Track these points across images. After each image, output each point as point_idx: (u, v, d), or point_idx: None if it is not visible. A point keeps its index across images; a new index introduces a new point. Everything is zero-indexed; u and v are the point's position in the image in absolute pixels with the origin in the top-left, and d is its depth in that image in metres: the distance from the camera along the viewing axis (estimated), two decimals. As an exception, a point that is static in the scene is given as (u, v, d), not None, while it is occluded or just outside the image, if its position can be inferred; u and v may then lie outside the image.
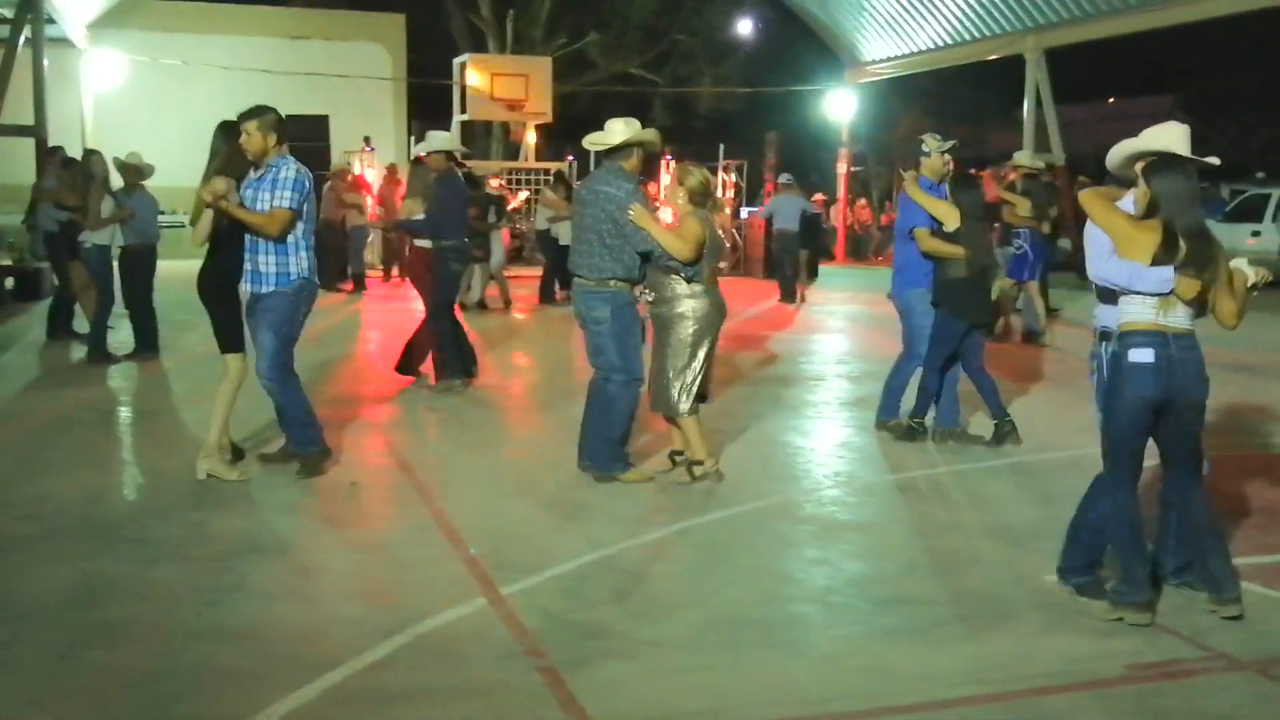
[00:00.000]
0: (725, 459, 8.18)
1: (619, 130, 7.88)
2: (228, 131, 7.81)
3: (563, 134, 35.53)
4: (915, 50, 29.78)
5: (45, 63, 20.80)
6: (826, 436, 9.61)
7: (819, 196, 31.41)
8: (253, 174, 7.70)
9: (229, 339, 7.85)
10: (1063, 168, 27.02)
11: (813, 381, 12.27)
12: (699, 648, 5.20)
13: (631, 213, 7.59)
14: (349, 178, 22.81)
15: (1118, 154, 5.73)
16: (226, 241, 7.72)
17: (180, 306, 17.90)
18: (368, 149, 25.65)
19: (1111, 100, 57.14)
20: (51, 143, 18.75)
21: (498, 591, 5.81)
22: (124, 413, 10.43)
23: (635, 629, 5.37)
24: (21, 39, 20.24)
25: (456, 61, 28.18)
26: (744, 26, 37.80)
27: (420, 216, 11.05)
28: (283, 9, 32.94)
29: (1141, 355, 5.43)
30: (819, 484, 8.14)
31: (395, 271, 22.38)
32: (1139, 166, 5.61)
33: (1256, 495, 7.85)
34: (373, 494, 7.68)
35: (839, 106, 31.98)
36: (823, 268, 26.60)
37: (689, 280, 7.72)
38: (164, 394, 11.30)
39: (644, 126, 8.02)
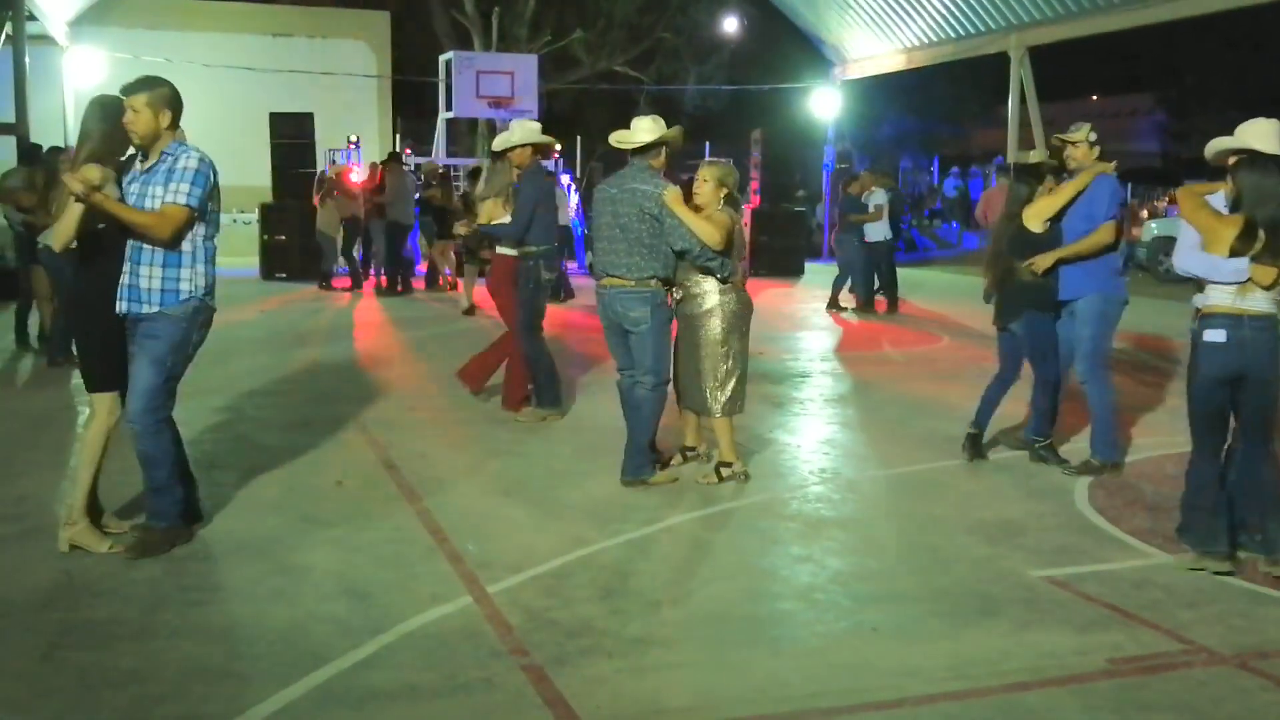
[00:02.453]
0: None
1: (646, 128, 7.81)
2: (106, 109, 6.31)
3: (548, 131, 35.45)
4: (900, 48, 29.82)
5: (26, 60, 20.73)
6: (811, 433, 9.62)
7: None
8: (139, 165, 6.28)
9: (99, 374, 6.41)
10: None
11: (798, 378, 12.28)
12: (682, 645, 5.22)
13: (666, 195, 7.54)
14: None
15: (1212, 149, 6.24)
16: (102, 249, 6.25)
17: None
18: (353, 146, 25.60)
19: (1094, 98, 57.38)
20: (34, 140, 18.69)
21: (482, 590, 5.82)
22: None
23: (619, 627, 5.39)
24: (2, 36, 20.17)
25: (442, 59, 28.15)
26: (729, 24, 37.80)
27: (505, 220, 9.74)
28: (266, 6, 32.88)
29: (1215, 335, 6.08)
30: (804, 480, 8.15)
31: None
32: (1230, 162, 6.07)
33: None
34: (357, 493, 7.66)
35: (824, 104, 31.98)
36: (808, 264, 26.60)
37: (723, 280, 7.73)
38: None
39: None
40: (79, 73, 26.84)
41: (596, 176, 32.19)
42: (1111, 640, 5.32)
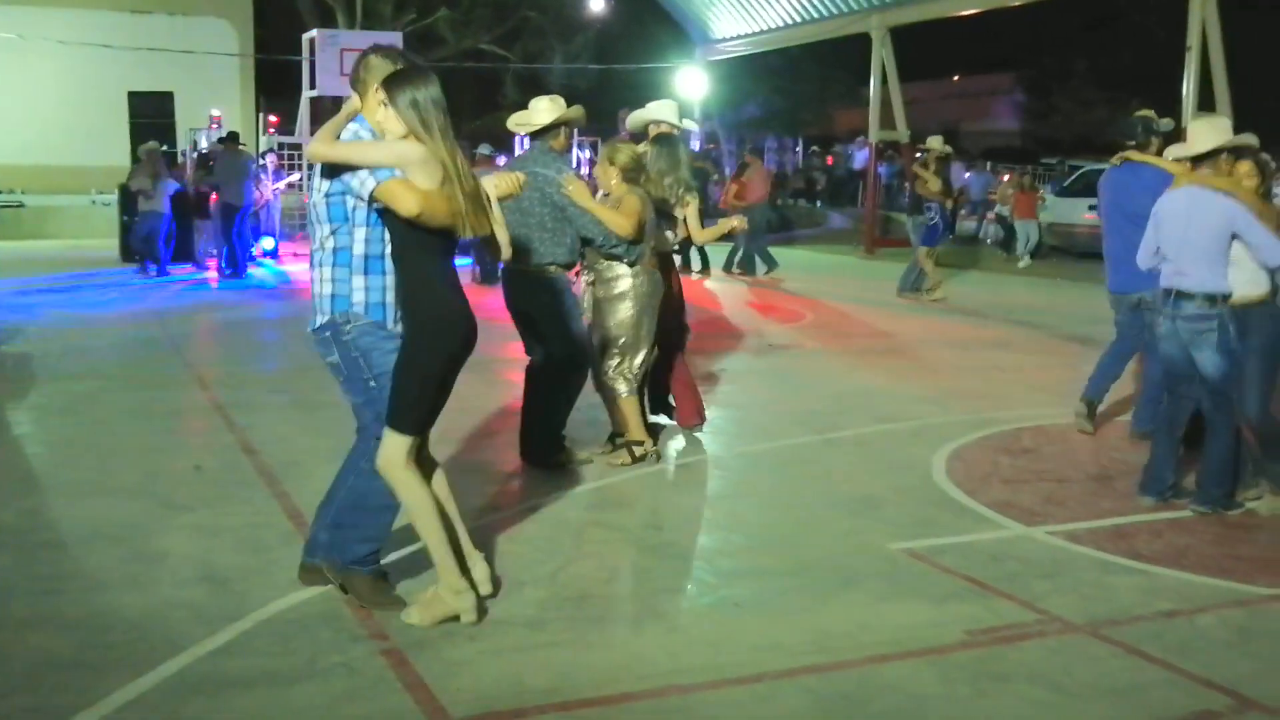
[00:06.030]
0: (573, 435, 8.16)
1: (545, 108, 7.59)
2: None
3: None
4: (765, 28, 30.05)
5: None
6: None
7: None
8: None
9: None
10: (907, 145, 27.48)
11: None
12: (545, 625, 5.21)
13: (569, 187, 7.35)
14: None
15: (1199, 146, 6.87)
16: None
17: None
18: (215, 126, 25.12)
19: (955, 78, 58.34)
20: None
21: (343, 574, 5.74)
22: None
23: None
24: None
25: (305, 37, 27.75)
26: (595, 3, 37.76)
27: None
28: (124, -19, 32.16)
29: None
30: (668, 458, 8.17)
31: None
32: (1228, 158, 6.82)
33: (1089, 461, 8.09)
34: (216, 478, 7.52)
35: (690, 84, 32.12)
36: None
37: (631, 264, 7.62)
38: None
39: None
40: (-75, 49, 26.02)
41: (463, 154, 31.99)
42: (969, 612, 5.41)
